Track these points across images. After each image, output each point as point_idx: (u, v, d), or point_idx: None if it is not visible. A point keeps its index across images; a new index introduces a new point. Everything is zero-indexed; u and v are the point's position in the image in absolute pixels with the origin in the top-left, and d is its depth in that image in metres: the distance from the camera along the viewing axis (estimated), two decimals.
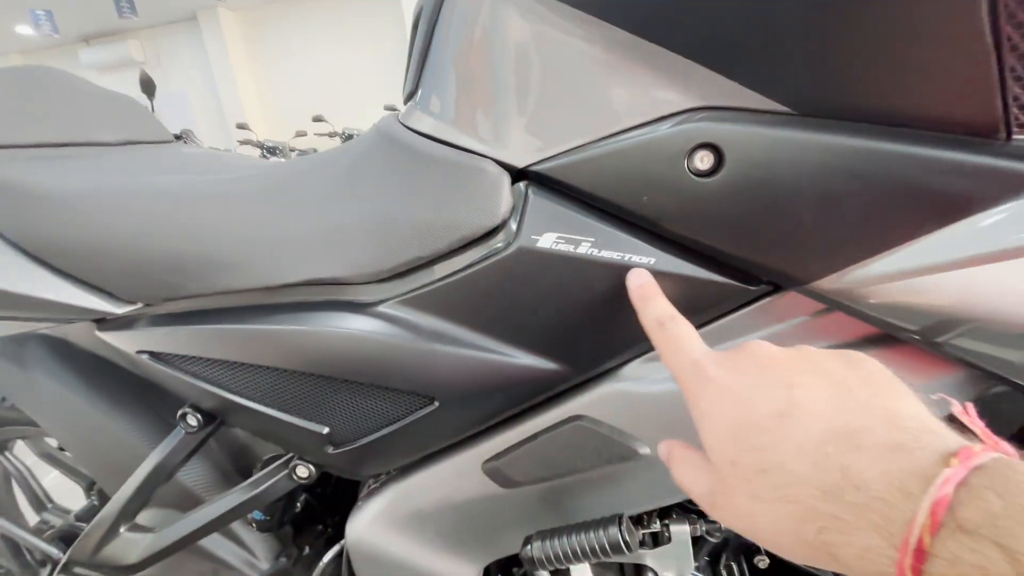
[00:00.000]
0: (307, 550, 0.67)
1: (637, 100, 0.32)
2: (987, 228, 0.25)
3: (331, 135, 5.78)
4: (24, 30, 7.62)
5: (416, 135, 0.40)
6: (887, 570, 0.18)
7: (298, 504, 0.66)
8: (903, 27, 0.24)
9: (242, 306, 0.43)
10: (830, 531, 0.20)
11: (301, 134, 6.00)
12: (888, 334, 0.31)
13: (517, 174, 0.37)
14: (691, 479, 0.27)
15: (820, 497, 0.20)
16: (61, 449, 0.85)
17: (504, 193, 0.36)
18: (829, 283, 0.30)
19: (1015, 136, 0.25)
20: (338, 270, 0.40)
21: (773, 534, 0.22)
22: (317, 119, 5.79)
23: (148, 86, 2.73)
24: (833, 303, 0.31)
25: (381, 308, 0.40)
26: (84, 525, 0.64)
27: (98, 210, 0.43)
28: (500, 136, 0.37)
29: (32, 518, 0.83)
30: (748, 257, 0.32)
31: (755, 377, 0.24)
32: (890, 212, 0.27)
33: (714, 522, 0.48)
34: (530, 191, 0.36)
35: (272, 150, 5.11)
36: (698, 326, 0.36)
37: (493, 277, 0.37)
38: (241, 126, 6.09)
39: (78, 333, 0.50)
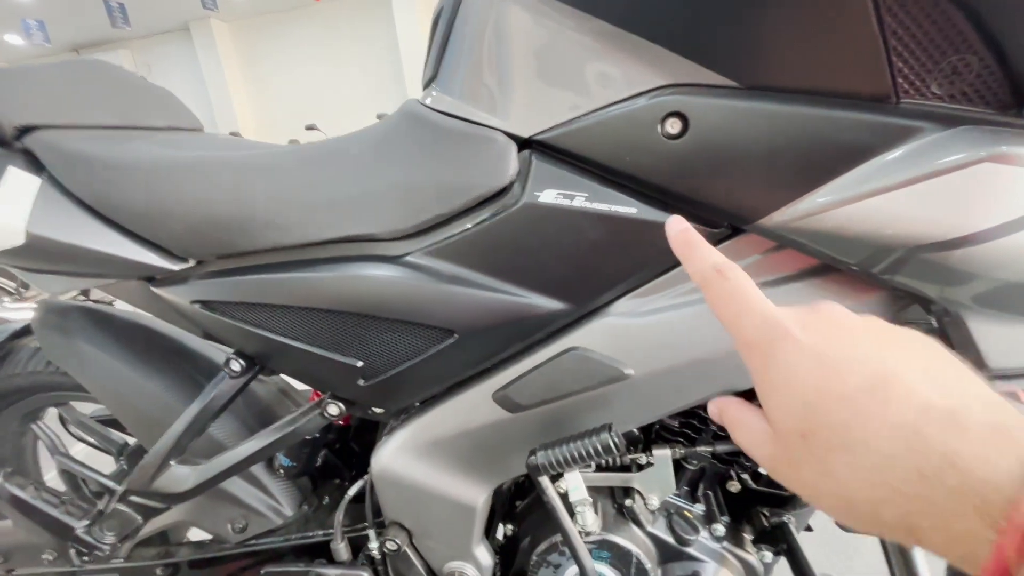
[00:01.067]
0: (326, 499, 0.73)
1: (618, 79, 0.40)
2: (884, 167, 0.33)
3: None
4: (14, 40, 7.62)
5: (436, 113, 0.48)
6: (980, 551, 0.17)
7: (319, 458, 0.73)
8: (811, 18, 0.33)
9: (286, 261, 0.50)
10: (920, 516, 0.19)
11: (294, 142, 6.07)
12: (828, 265, 0.39)
13: (523, 143, 0.45)
14: (749, 441, 0.25)
15: (913, 481, 0.19)
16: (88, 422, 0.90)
17: (512, 158, 0.44)
18: (773, 220, 0.38)
19: (903, 100, 0.33)
20: (370, 227, 0.47)
21: (842, 511, 0.21)
22: (310, 127, 5.86)
23: None
24: (779, 238, 0.39)
25: (408, 258, 0.47)
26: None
27: (161, 178, 0.50)
28: (507, 111, 0.44)
29: (60, 487, 0.88)
30: (710, 201, 0.39)
31: (844, 345, 0.22)
32: (814, 158, 0.35)
33: (693, 448, 0.55)
34: (534, 156, 0.44)
35: None
36: (672, 265, 0.44)
37: (504, 229, 0.45)
38: (234, 135, 6.15)
39: (131, 292, 0.57)
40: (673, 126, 0.39)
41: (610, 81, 0.40)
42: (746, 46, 0.36)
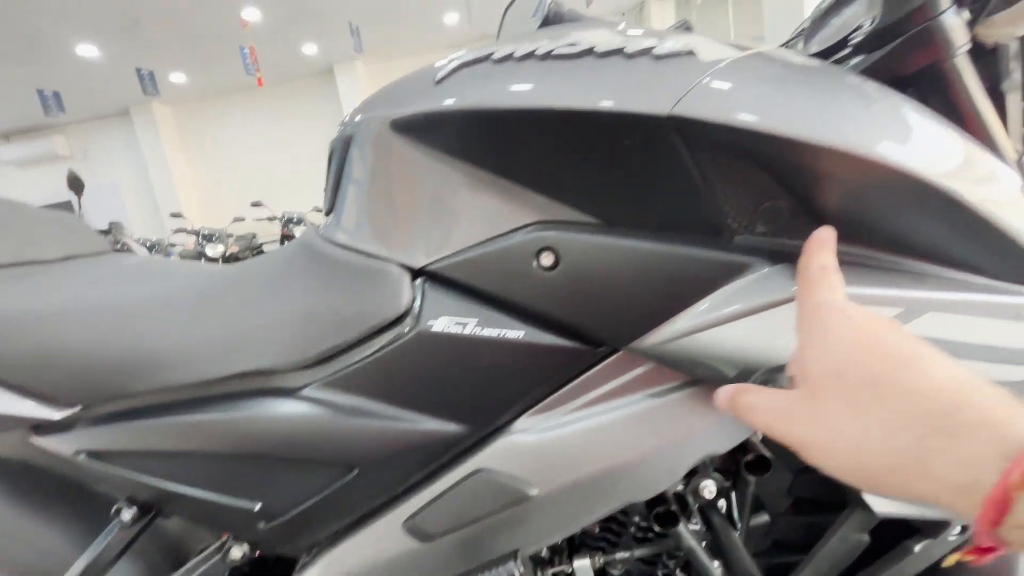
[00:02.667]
0: None
1: (494, 217, 0.43)
2: (727, 298, 0.37)
3: (270, 219, 5.82)
4: None
5: (333, 245, 0.50)
6: (986, 477, 0.19)
7: None
8: (647, 171, 0.37)
9: (178, 400, 0.49)
10: (934, 437, 0.21)
11: (239, 219, 6.00)
12: (697, 379, 0.42)
13: (416, 272, 0.46)
14: (767, 418, 0.27)
15: (936, 413, 0.21)
16: None
17: (405, 288, 0.46)
18: (643, 343, 0.40)
19: (736, 236, 0.38)
20: (266, 361, 0.47)
21: (856, 441, 0.23)
22: (256, 204, 5.84)
23: (75, 184, 2.73)
24: (655, 358, 0.42)
25: (305, 392, 0.47)
26: None
27: (43, 324, 0.48)
28: (399, 244, 0.46)
29: None
30: (586, 326, 0.42)
31: (889, 326, 0.25)
32: (668, 289, 0.38)
33: (613, 556, 0.55)
34: (426, 286, 0.46)
35: (208, 237, 5.07)
36: (563, 382, 0.46)
37: (400, 357, 0.45)
38: (175, 215, 6.02)
39: (8, 444, 0.53)
40: (547, 259, 0.42)
41: (487, 218, 0.43)
42: (600, 190, 0.40)
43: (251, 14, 5.42)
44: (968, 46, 0.43)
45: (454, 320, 0.44)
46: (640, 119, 0.34)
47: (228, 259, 4.81)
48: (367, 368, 0.46)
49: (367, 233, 0.48)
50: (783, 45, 0.72)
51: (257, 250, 5.56)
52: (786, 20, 3.01)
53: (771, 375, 0.37)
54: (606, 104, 0.35)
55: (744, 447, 0.49)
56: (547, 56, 0.38)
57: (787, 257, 0.36)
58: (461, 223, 0.44)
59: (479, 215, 0.43)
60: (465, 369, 0.45)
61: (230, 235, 5.36)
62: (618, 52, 0.36)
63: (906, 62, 0.46)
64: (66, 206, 3.03)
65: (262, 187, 7.59)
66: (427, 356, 0.45)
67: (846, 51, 0.53)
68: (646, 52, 0.36)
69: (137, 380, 0.48)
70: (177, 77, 7.05)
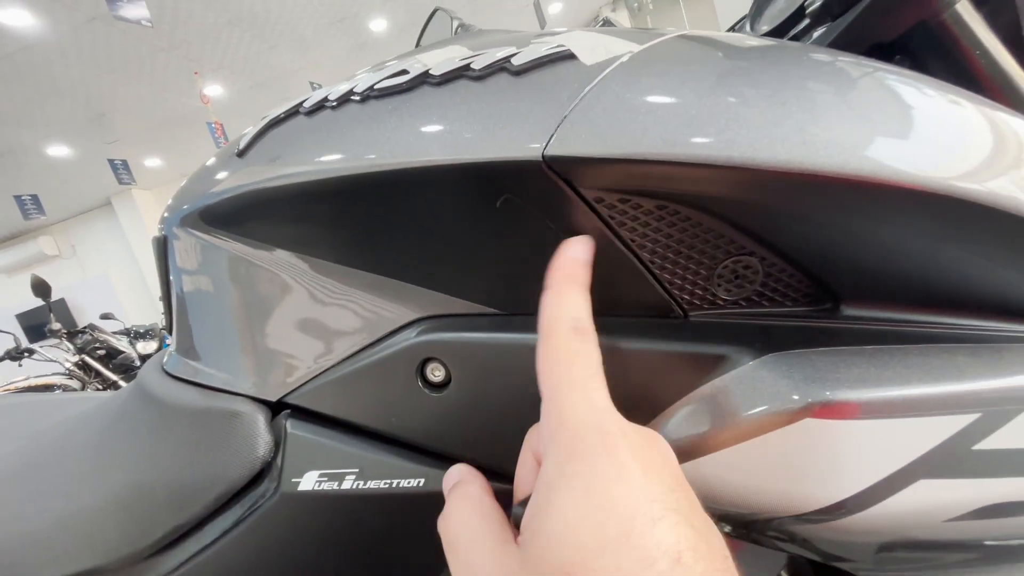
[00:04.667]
0: None
1: (360, 321, 0.31)
2: (688, 420, 0.24)
3: None
4: None
5: (172, 380, 0.37)
6: None
7: None
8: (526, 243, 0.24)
9: None
10: None
11: None
12: None
13: (276, 407, 0.34)
14: (463, 513, 0.21)
15: None
16: None
17: (261, 433, 0.33)
18: None
19: (690, 314, 0.25)
20: (89, 560, 0.34)
21: None
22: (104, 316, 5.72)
23: (41, 289, 2.64)
24: None
25: None
26: None
27: None
28: (249, 371, 0.34)
29: None
30: (502, 465, 0.29)
31: (662, 506, 0.16)
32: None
33: None
34: (289, 425, 0.33)
35: None
36: None
37: (261, 533, 0.32)
38: None
39: None
40: (435, 373, 0.29)
41: (352, 324, 0.31)
42: (480, 269, 0.27)
43: (213, 90, 5.45)
44: None
45: (326, 473, 0.31)
46: (504, 168, 0.22)
47: None
48: (221, 553, 0.33)
49: (207, 360, 0.36)
50: (728, 30, 0.61)
51: None
52: (741, 8, 2.94)
53: (781, 523, 0.24)
54: (452, 153, 0.23)
55: None
56: (369, 95, 0.26)
57: (777, 337, 0.23)
58: (321, 335, 0.32)
59: (342, 321, 0.31)
60: (352, 539, 0.32)
61: None
62: (462, 73, 0.24)
63: (887, 24, 0.34)
64: (54, 307, 2.94)
65: None
66: (295, 527, 0.32)
67: (804, 23, 0.41)
68: (501, 66, 0.24)
69: None
70: (152, 161, 7.09)
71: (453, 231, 0.26)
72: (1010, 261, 0.21)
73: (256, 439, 0.33)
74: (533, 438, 0.23)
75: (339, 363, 0.31)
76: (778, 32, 0.45)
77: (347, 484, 0.31)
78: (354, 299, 0.30)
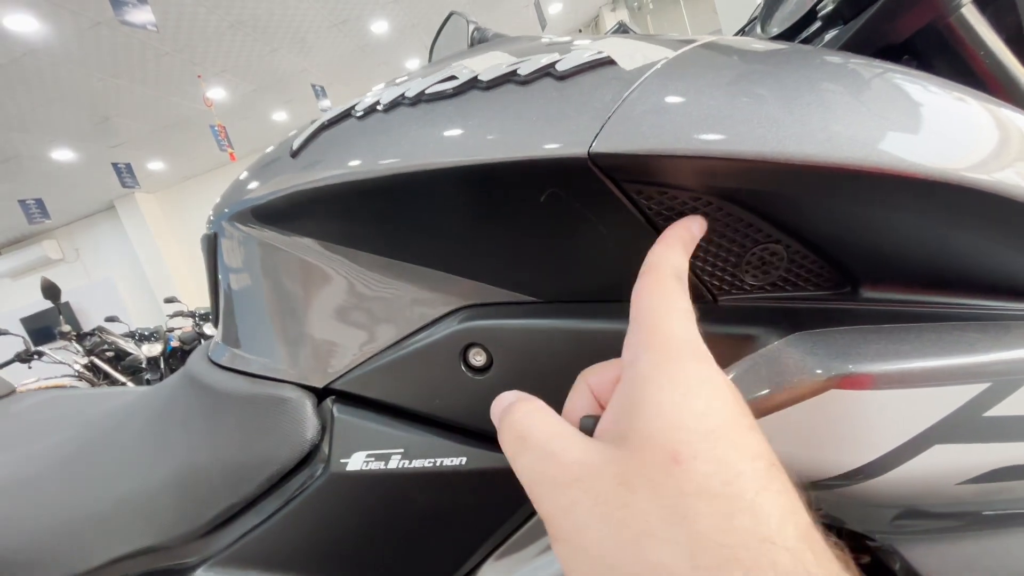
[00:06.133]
0: None
1: (405, 310, 0.33)
2: None
3: None
4: None
5: (219, 369, 0.39)
6: None
7: None
8: (591, 235, 0.26)
9: None
10: None
11: None
12: None
13: (322, 393, 0.36)
14: (537, 428, 0.19)
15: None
16: None
17: (309, 417, 0.35)
18: None
19: (720, 298, 0.27)
20: (149, 539, 0.36)
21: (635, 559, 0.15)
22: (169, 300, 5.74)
23: (50, 292, 2.66)
24: None
25: (201, 572, 0.36)
26: None
27: None
28: (296, 359, 0.36)
29: None
30: None
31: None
32: None
33: None
34: (336, 410, 0.35)
35: (205, 316, 4.99)
36: (530, 514, 0.34)
37: (311, 511, 0.34)
38: (169, 300, 5.96)
39: None
40: (477, 358, 0.31)
41: (396, 313, 0.33)
42: (526, 261, 0.29)
43: (216, 93, 5.48)
44: None
45: (373, 454, 0.33)
46: (551, 165, 0.24)
47: None
48: (273, 531, 0.35)
49: (255, 350, 0.38)
50: (739, 32, 0.63)
51: None
52: (741, 10, 2.96)
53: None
54: (502, 152, 0.25)
55: None
56: (419, 99, 0.28)
57: (800, 319, 0.25)
58: (367, 324, 0.34)
59: (387, 310, 0.33)
60: (397, 517, 0.34)
61: None
62: (509, 78, 0.26)
63: (896, 27, 0.36)
64: (56, 311, 2.96)
65: None
66: (344, 506, 0.34)
67: (815, 26, 0.43)
68: (546, 72, 0.26)
69: None
70: (155, 165, 7.12)
71: (498, 225, 0.28)
72: (1015, 244, 0.23)
73: (304, 423, 0.35)
74: (588, 375, 0.23)
75: (384, 350, 0.34)
76: (789, 35, 0.47)
77: (393, 464, 0.33)
78: (400, 290, 0.32)
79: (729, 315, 0.26)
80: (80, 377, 2.94)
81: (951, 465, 0.23)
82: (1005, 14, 0.36)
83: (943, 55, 0.36)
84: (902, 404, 0.22)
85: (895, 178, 0.22)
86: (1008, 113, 0.25)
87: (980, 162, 0.23)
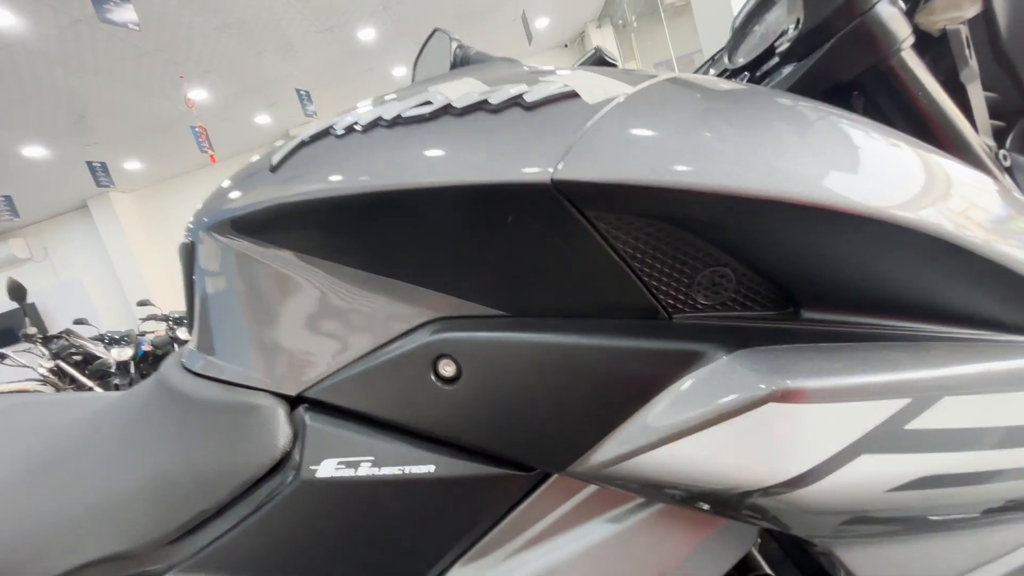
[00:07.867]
0: None
1: (378, 322, 0.34)
2: (675, 404, 0.27)
3: None
4: None
5: (193, 376, 0.40)
6: None
7: None
8: (554, 251, 0.28)
9: None
10: None
11: None
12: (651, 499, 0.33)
13: (295, 401, 0.37)
14: None
15: None
16: None
17: (281, 425, 0.36)
18: (581, 466, 0.31)
19: (674, 316, 0.29)
20: (119, 544, 0.36)
21: None
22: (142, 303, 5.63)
23: (17, 292, 2.59)
24: (598, 481, 0.32)
25: None
26: None
27: None
28: (270, 367, 0.37)
29: None
30: (507, 452, 0.32)
31: None
32: (599, 396, 0.29)
33: None
34: (308, 418, 0.36)
35: (179, 321, 4.88)
36: (497, 519, 0.36)
37: (280, 518, 0.35)
38: (143, 303, 5.82)
39: None
40: (446, 369, 0.32)
41: (369, 324, 0.34)
42: (493, 276, 0.31)
43: (198, 94, 5.41)
44: (912, 39, 0.36)
45: (343, 461, 0.34)
46: (517, 190, 0.26)
47: None
48: (242, 538, 0.35)
49: (229, 357, 0.38)
50: (709, 60, 0.66)
51: None
52: (720, 31, 3.06)
53: (742, 498, 0.27)
54: (472, 175, 0.26)
55: (745, 565, 0.39)
56: (396, 121, 0.30)
57: (747, 336, 0.27)
58: (340, 334, 0.35)
59: (359, 321, 0.34)
60: (367, 523, 0.35)
61: None
62: (480, 107, 0.28)
63: (844, 65, 0.38)
64: (21, 312, 2.86)
65: None
66: (314, 512, 0.35)
67: (774, 61, 0.46)
68: (514, 102, 0.27)
69: None
70: (132, 164, 6.97)
71: (469, 242, 0.30)
72: (935, 274, 0.26)
73: (276, 430, 0.35)
74: None
75: (357, 360, 0.35)
76: (752, 66, 0.50)
77: (363, 471, 0.34)
78: (373, 302, 0.34)
79: (682, 332, 0.28)
80: (45, 381, 2.85)
81: (878, 474, 0.25)
82: (941, 58, 0.39)
83: (887, 94, 0.38)
84: (833, 417, 0.24)
85: (830, 212, 0.24)
86: (935, 158, 0.28)
87: (906, 201, 0.25)
